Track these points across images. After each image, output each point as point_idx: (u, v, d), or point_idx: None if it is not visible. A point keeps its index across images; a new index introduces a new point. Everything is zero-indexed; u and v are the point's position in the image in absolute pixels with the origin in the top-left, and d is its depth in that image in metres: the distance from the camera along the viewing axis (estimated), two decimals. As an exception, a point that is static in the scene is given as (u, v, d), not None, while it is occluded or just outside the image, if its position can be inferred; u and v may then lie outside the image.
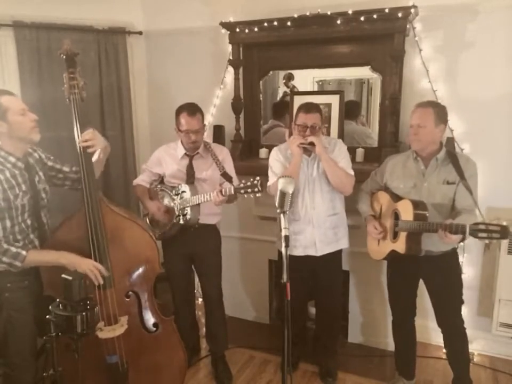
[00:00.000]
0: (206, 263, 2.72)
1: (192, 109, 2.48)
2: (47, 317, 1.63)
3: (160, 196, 2.61)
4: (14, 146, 1.98)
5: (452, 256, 2.32)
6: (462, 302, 2.35)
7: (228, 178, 2.45)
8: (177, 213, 2.50)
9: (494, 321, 2.74)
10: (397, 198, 2.31)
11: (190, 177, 2.57)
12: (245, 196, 2.23)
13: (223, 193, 2.28)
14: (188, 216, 2.46)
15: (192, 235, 2.59)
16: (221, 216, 2.78)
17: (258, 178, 2.20)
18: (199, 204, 2.43)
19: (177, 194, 2.51)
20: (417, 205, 2.16)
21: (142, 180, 2.70)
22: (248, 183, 2.20)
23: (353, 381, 2.73)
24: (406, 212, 2.18)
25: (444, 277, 2.31)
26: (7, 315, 2.00)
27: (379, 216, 2.44)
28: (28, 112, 1.99)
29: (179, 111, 2.51)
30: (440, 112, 2.20)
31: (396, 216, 2.28)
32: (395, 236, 2.29)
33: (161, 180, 2.71)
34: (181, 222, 2.49)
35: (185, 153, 2.59)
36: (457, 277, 2.35)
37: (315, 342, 2.91)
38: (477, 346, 2.91)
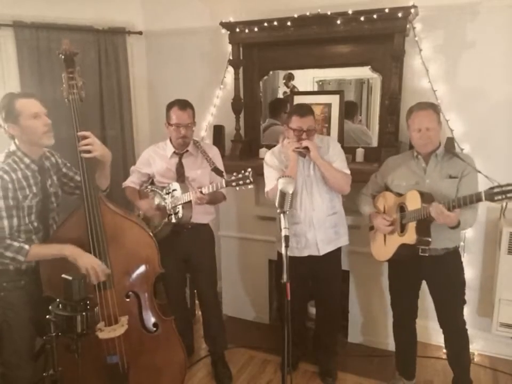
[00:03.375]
0: (201, 263, 2.70)
1: (183, 103, 2.50)
2: (47, 317, 1.63)
3: (150, 197, 2.57)
4: (28, 148, 2.00)
5: (454, 256, 2.32)
6: (464, 302, 2.35)
7: (218, 173, 2.42)
8: (169, 211, 2.44)
9: (494, 321, 2.73)
10: (401, 194, 2.31)
11: (180, 175, 2.55)
12: (237, 188, 2.18)
13: (203, 192, 2.26)
14: (180, 215, 2.40)
15: (185, 236, 2.57)
16: (214, 215, 2.77)
17: (249, 169, 2.16)
18: (190, 201, 2.36)
19: (168, 193, 2.46)
20: (424, 195, 2.15)
21: (131, 181, 2.68)
22: (240, 175, 2.16)
23: (353, 381, 2.73)
24: (414, 202, 2.17)
25: (446, 277, 2.30)
26: (3, 314, 2.01)
27: (383, 213, 2.42)
28: (43, 115, 2.00)
29: (170, 106, 2.53)
30: (438, 111, 2.25)
31: (402, 209, 2.27)
32: (402, 229, 2.27)
33: (151, 181, 2.68)
34: (173, 220, 2.43)
35: (174, 152, 2.58)
36: (460, 276, 2.35)
37: (315, 342, 2.90)
38: (477, 346, 2.91)
